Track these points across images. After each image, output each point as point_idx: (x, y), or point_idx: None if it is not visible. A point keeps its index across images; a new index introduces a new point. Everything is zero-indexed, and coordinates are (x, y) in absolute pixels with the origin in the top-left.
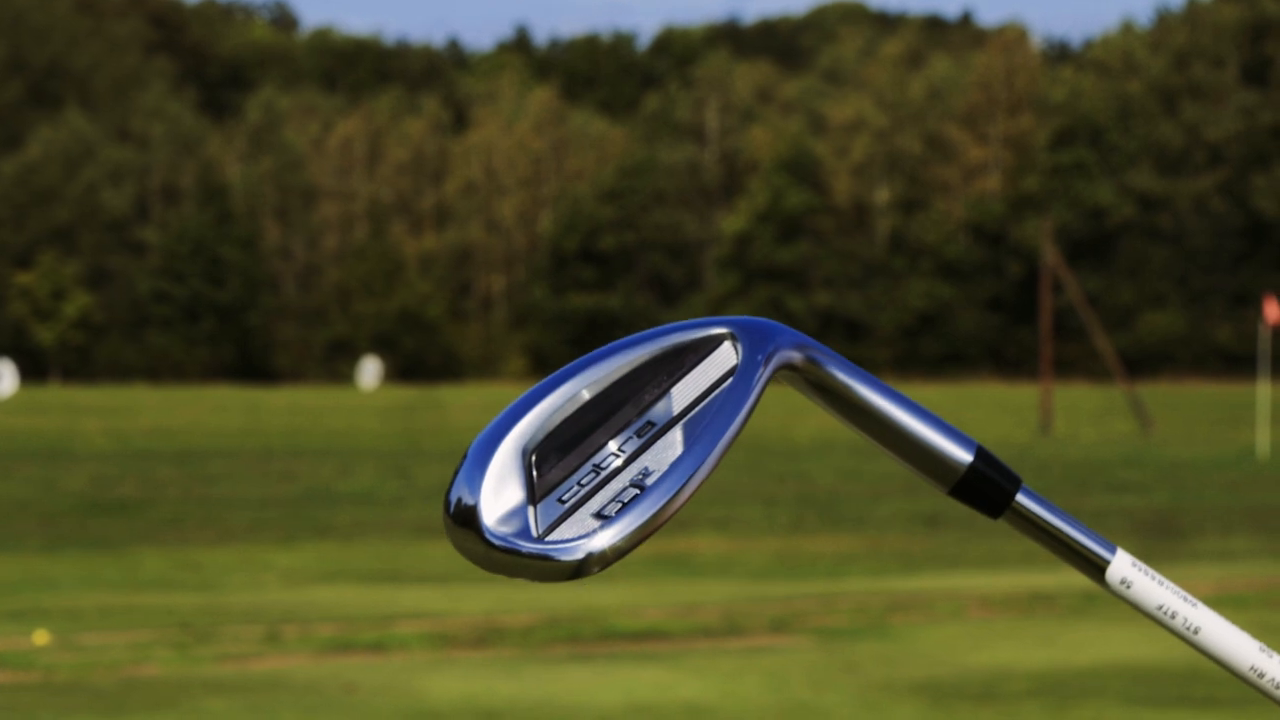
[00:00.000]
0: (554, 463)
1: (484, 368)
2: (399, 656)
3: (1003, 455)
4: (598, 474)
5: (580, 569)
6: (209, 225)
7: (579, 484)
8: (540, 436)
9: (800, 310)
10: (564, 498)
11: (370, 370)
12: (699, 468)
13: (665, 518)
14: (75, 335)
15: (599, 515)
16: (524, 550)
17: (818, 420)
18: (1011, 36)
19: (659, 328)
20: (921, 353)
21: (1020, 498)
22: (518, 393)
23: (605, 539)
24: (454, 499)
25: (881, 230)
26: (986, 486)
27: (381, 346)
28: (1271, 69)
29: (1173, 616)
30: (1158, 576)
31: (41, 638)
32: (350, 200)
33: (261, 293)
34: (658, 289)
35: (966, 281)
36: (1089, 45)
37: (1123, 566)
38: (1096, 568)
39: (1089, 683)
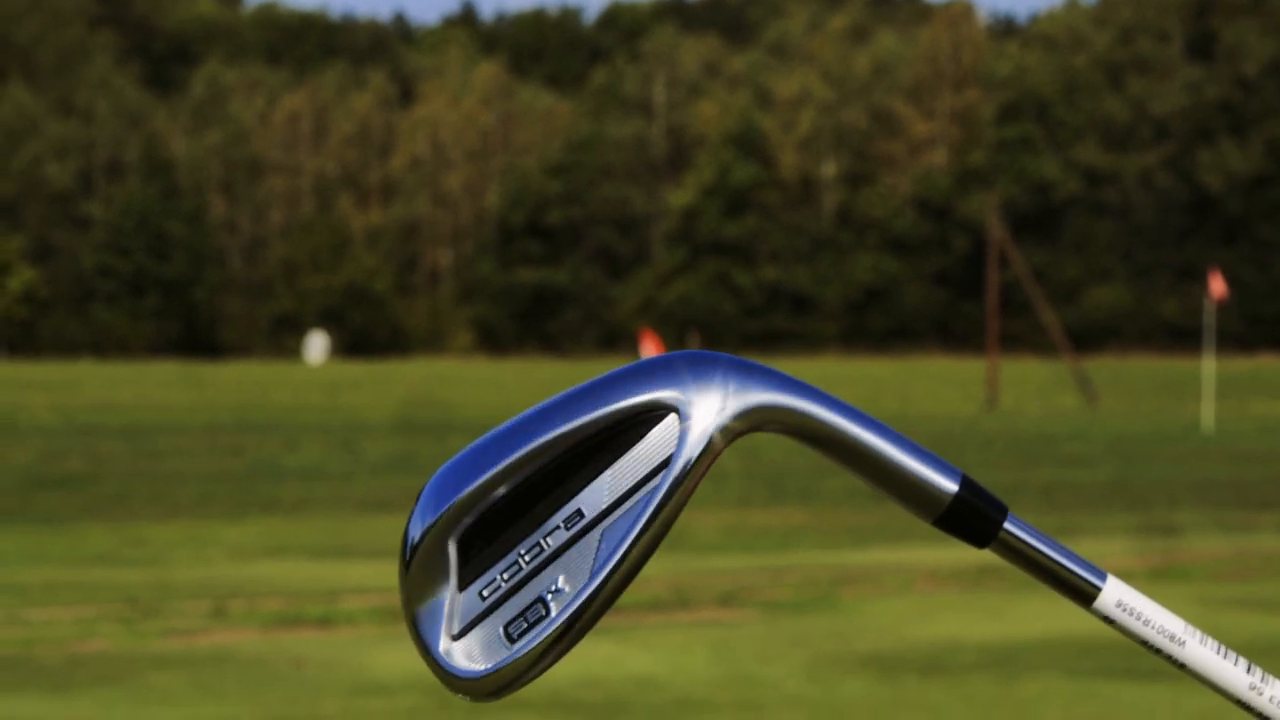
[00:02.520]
0: (480, 548)
1: (431, 342)
2: (346, 631)
3: (950, 430)
4: (518, 570)
5: (478, 697)
6: (154, 199)
7: (501, 578)
8: (471, 520)
9: (747, 284)
10: (484, 593)
11: (317, 345)
12: (594, 600)
13: (564, 648)
14: (19, 310)
15: (507, 633)
16: (433, 655)
17: None
18: (957, 11)
19: (606, 379)
20: (868, 327)
21: (1008, 526)
22: (465, 368)
23: (505, 673)
24: (405, 543)
25: (828, 204)
26: (973, 516)
27: (328, 321)
28: (1216, 44)
29: (1170, 640)
30: (1150, 605)
31: None
32: (296, 174)
33: (207, 267)
34: (605, 263)
35: (913, 256)
36: (1034, 20)
37: (1113, 594)
38: (1086, 596)
39: (1037, 655)
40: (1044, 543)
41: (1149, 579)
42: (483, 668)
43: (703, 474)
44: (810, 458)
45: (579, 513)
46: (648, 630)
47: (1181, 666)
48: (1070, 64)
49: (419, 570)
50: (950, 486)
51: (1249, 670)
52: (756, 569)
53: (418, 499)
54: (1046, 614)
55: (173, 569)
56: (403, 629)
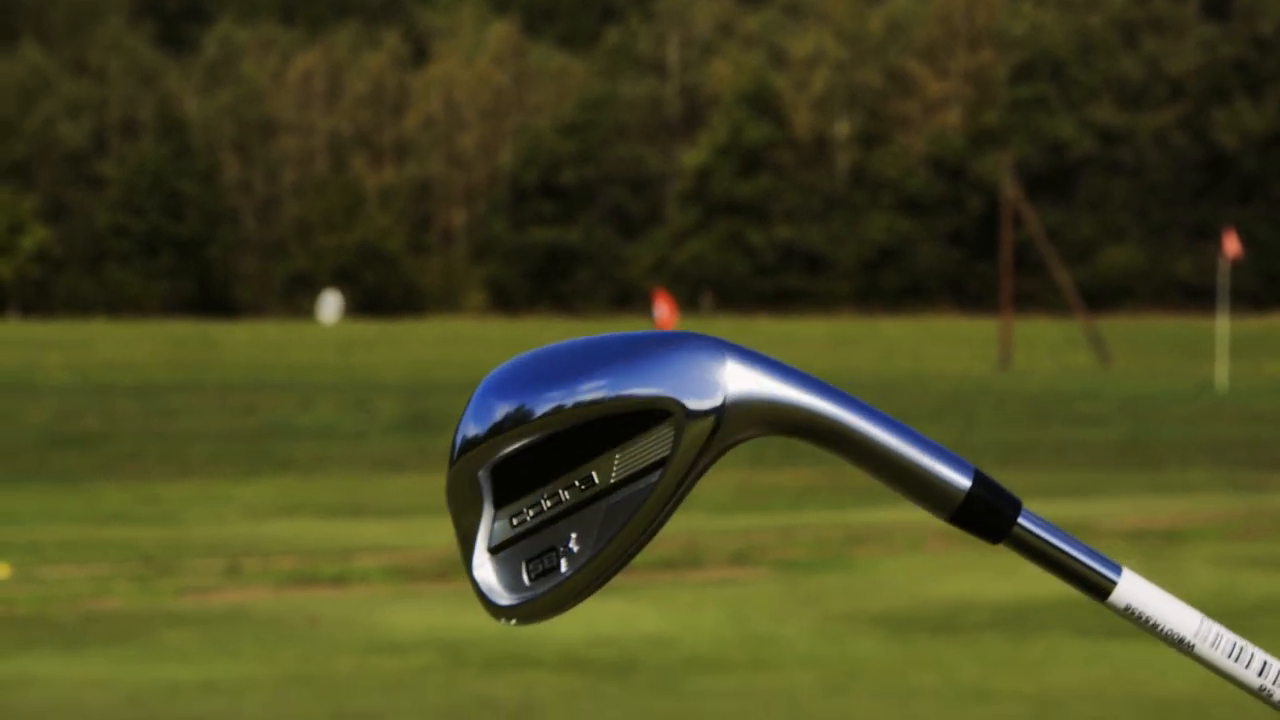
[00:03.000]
0: (511, 476)
1: (444, 301)
2: (360, 590)
3: (963, 389)
4: (540, 512)
5: (502, 620)
6: (167, 159)
7: (527, 514)
8: (503, 456)
9: (760, 244)
10: (514, 521)
11: (330, 304)
12: (596, 571)
13: (576, 602)
14: (33, 269)
15: (528, 570)
16: (471, 567)
17: (778, 353)
18: None
19: (625, 361)
20: (882, 286)
21: (1022, 521)
22: (478, 327)
23: (524, 610)
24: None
25: (842, 164)
26: (986, 512)
27: (342, 280)
28: (1232, 2)
29: (1185, 626)
30: (1164, 600)
31: (2, 571)
32: (310, 134)
33: (221, 226)
34: (618, 223)
35: (927, 215)
36: None
37: (1129, 588)
38: (1101, 590)
39: (1049, 614)
40: (1058, 537)
41: (1162, 539)
42: (506, 601)
43: (699, 475)
44: None
45: (591, 478)
46: (660, 589)
47: (1203, 649)
48: (1085, 23)
49: (460, 486)
50: (964, 482)
51: (1262, 671)
52: (769, 528)
53: (470, 407)
54: None
55: (187, 527)
56: (416, 588)
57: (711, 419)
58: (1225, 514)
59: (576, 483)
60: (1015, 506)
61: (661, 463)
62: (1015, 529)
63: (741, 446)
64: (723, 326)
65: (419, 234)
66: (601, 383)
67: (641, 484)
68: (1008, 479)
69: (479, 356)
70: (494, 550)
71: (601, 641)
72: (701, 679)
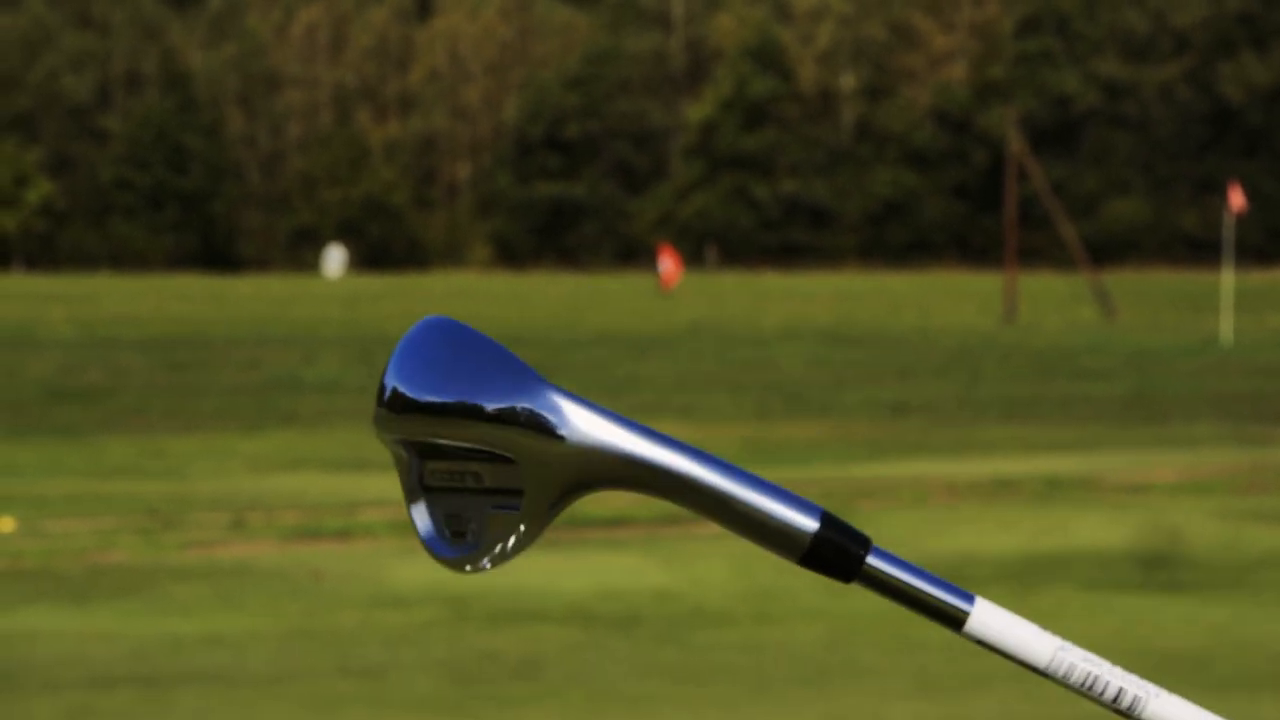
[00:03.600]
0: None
1: (449, 255)
2: (365, 544)
3: (968, 344)
4: (448, 477)
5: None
6: (171, 113)
7: (439, 471)
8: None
9: (765, 197)
10: (427, 479)
11: (335, 258)
12: (486, 562)
13: (478, 569)
14: (38, 222)
15: (448, 527)
16: (409, 506)
17: (783, 308)
18: None
19: (473, 401)
20: (887, 240)
21: (871, 560)
22: (483, 281)
23: (452, 563)
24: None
25: (847, 117)
26: (835, 554)
27: (346, 234)
28: None
29: (1039, 656)
30: (1019, 626)
31: (7, 525)
32: (314, 87)
33: (225, 180)
34: (623, 177)
35: (932, 169)
36: None
37: (982, 617)
38: (955, 621)
39: (1052, 568)
40: (909, 572)
41: (1167, 493)
42: (439, 550)
43: (546, 524)
44: (830, 370)
45: (478, 475)
46: (666, 543)
47: (1060, 667)
48: None
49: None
50: (810, 525)
51: (1116, 698)
52: (775, 481)
53: (389, 369)
54: (1063, 527)
55: (192, 481)
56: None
57: (548, 460)
58: (1230, 468)
59: (470, 472)
60: (864, 545)
61: (519, 492)
62: (865, 568)
63: (746, 401)
64: (727, 281)
65: (423, 188)
66: (460, 423)
67: (508, 505)
68: (1014, 433)
69: (484, 310)
70: (425, 491)
71: (607, 595)
72: (707, 632)
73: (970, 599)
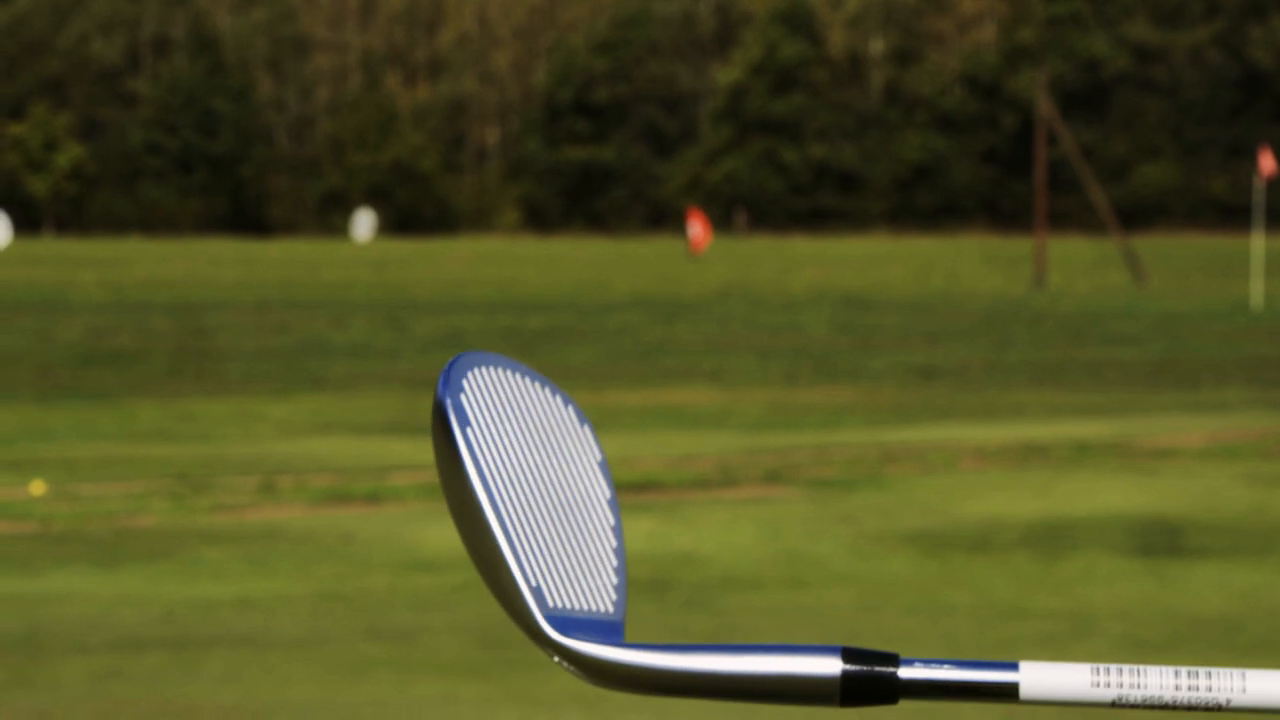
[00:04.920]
0: None
1: (478, 220)
2: (394, 508)
3: (997, 309)
4: None
5: None
6: (201, 77)
7: None
8: None
9: (794, 162)
10: None
11: (364, 222)
12: None
13: None
14: (68, 186)
15: None
16: None
17: (812, 272)
18: None
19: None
20: (916, 205)
21: (905, 674)
22: (512, 246)
23: None
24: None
25: (876, 82)
26: (873, 683)
27: (375, 198)
28: None
29: (1106, 687)
30: (1065, 671)
31: (38, 488)
32: (343, 51)
33: (254, 145)
34: (652, 141)
35: (961, 133)
36: None
37: (1031, 677)
38: (1010, 694)
39: (1081, 533)
40: (947, 667)
41: (1196, 457)
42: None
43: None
44: (858, 335)
45: None
46: (694, 507)
47: (1135, 688)
48: None
49: None
50: (834, 669)
51: (1207, 695)
52: (803, 447)
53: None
54: (1091, 492)
55: (222, 445)
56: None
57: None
58: (1260, 432)
59: None
60: (892, 662)
61: None
62: (904, 684)
63: (774, 366)
64: (756, 245)
65: (452, 152)
66: None
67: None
68: (1043, 398)
69: (513, 275)
70: None
71: (635, 560)
72: (736, 597)
73: (1014, 667)
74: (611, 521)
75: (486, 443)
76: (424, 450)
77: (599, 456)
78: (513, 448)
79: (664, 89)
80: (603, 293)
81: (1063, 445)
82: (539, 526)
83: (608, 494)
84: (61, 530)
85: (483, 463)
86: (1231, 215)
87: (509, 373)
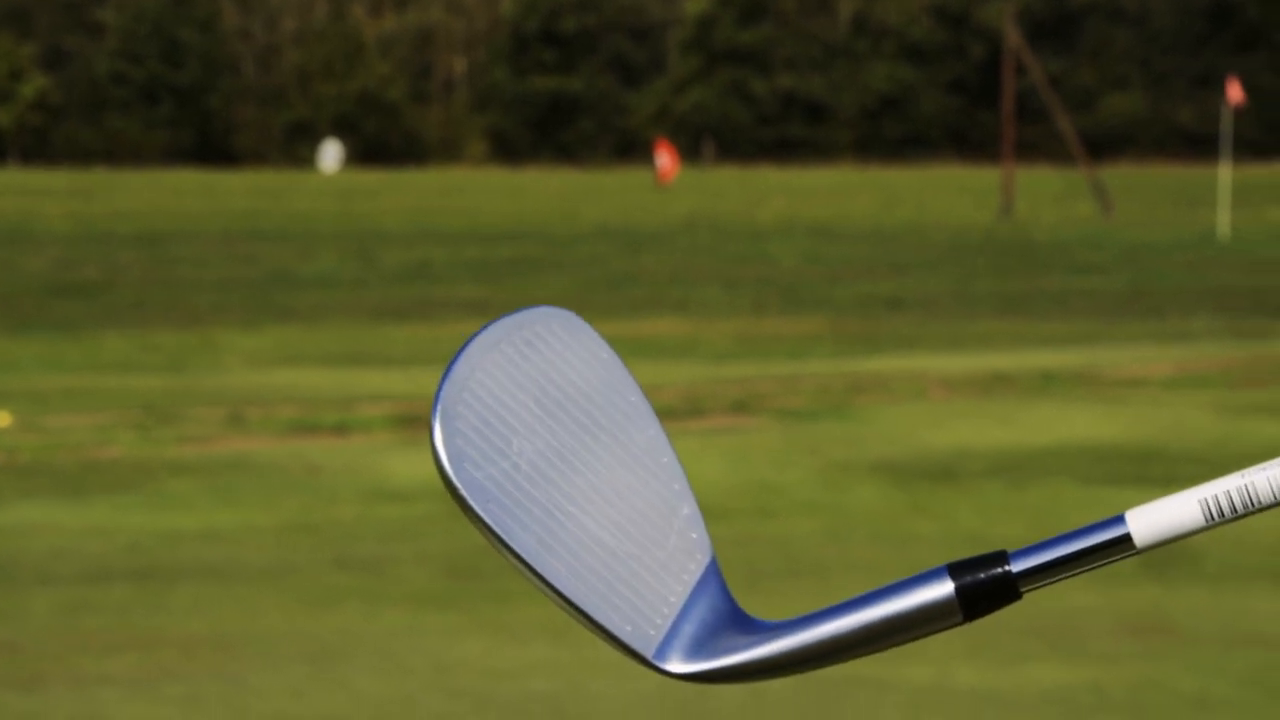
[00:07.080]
0: None
1: (445, 150)
2: (361, 438)
3: (964, 238)
4: None
5: None
6: (167, 6)
7: None
8: None
9: (762, 92)
10: None
11: (331, 153)
12: None
13: None
14: (33, 117)
15: None
16: None
17: (779, 203)
18: None
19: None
20: (883, 135)
21: (1015, 567)
22: (479, 176)
23: None
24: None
25: (844, 12)
26: (989, 589)
27: (342, 129)
28: None
29: (1219, 510)
30: (1171, 503)
31: (4, 419)
32: None
33: (221, 75)
34: (620, 71)
35: (929, 64)
36: None
37: (1141, 523)
38: (1127, 547)
39: (1047, 462)
40: (1058, 546)
41: (1163, 387)
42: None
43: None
44: (825, 265)
45: None
46: None
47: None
48: None
49: None
50: (947, 589)
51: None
52: (770, 376)
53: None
54: (1058, 421)
55: (189, 376)
56: (418, 436)
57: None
58: (1227, 362)
59: None
60: (1003, 560)
61: None
62: (1021, 577)
63: (741, 296)
64: (724, 175)
65: (419, 82)
66: None
67: None
68: (1009, 328)
69: (480, 205)
70: None
71: None
72: None
73: (1121, 520)
74: (675, 484)
75: (512, 505)
76: (391, 381)
77: (633, 396)
78: (543, 477)
79: (632, 18)
80: (570, 223)
81: (1029, 375)
82: (600, 563)
83: (656, 436)
84: (27, 462)
85: (516, 530)
86: (1198, 145)
87: (509, 374)
